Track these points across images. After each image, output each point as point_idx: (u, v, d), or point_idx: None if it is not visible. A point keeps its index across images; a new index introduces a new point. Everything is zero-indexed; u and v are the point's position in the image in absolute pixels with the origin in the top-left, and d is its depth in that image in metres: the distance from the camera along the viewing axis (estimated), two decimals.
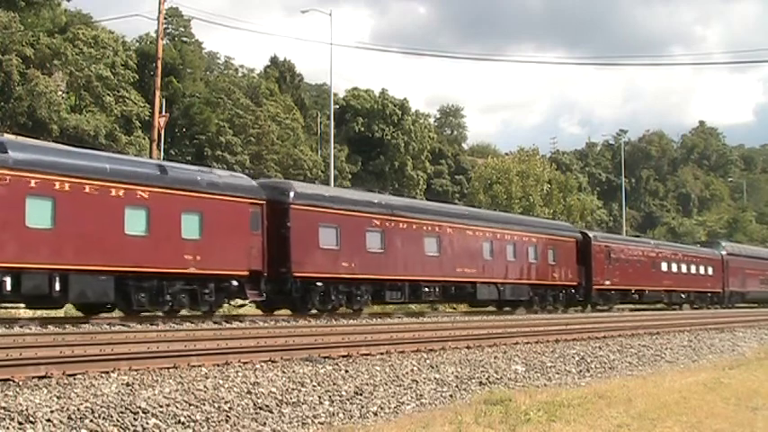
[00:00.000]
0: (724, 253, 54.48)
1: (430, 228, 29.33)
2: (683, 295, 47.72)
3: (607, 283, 39.90)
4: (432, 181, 77.77)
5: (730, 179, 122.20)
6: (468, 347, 15.32)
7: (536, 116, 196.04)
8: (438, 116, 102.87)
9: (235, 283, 22.07)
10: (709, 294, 51.29)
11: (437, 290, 29.01)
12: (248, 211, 22.59)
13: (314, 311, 24.65)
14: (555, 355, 15.78)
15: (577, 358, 15.79)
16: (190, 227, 20.97)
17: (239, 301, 24.20)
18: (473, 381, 12.38)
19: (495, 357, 14.43)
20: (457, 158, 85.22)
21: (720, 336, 23.83)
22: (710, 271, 51.70)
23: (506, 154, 79.63)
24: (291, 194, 24.37)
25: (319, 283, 24.37)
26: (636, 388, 12.13)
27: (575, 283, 37.46)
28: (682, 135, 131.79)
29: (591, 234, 41.05)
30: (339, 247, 25.26)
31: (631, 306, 44.15)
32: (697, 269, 50.07)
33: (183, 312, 21.82)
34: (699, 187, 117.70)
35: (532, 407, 9.80)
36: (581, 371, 14.85)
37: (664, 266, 46.18)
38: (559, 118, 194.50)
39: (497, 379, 12.82)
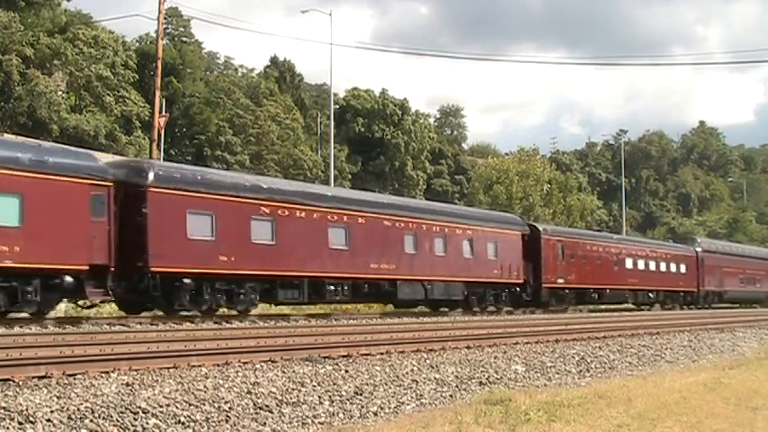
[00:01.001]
0: (699, 250, 51.25)
1: (336, 217, 25.69)
2: (651, 295, 44.51)
3: (560, 281, 36.40)
4: (432, 181, 77.83)
5: (730, 179, 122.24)
6: (468, 347, 15.32)
7: (536, 116, 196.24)
8: (438, 116, 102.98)
9: (69, 279, 18.55)
10: (681, 294, 48.10)
11: (345, 288, 25.46)
12: (88, 195, 19.05)
13: (185, 313, 21.58)
14: (555, 355, 15.79)
15: (577, 358, 15.79)
16: (4, 212, 17.59)
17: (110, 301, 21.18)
18: (473, 381, 12.38)
19: (495, 357, 14.43)
20: (457, 158, 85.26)
21: (720, 336, 23.83)
22: (684, 269, 48.39)
23: (506, 154, 79.69)
24: (150, 176, 20.82)
25: (188, 280, 20.86)
26: (636, 388, 12.13)
27: (520, 282, 33.69)
28: (682, 135, 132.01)
29: (540, 227, 37.41)
30: (215, 239, 21.70)
31: (591, 307, 41.22)
32: (668, 267, 46.77)
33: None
34: (699, 187, 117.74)
35: (532, 407, 9.80)
36: (581, 371, 14.85)
37: (628, 264, 42.85)
38: (560, 118, 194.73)
39: (497, 379, 12.82)
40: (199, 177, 22.58)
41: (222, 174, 27.45)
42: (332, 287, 25.05)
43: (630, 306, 43.96)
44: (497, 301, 32.82)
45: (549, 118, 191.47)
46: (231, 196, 22.54)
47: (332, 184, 48.00)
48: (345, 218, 26.08)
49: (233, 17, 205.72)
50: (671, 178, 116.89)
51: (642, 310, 43.40)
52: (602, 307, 42.27)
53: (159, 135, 36.66)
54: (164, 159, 39.33)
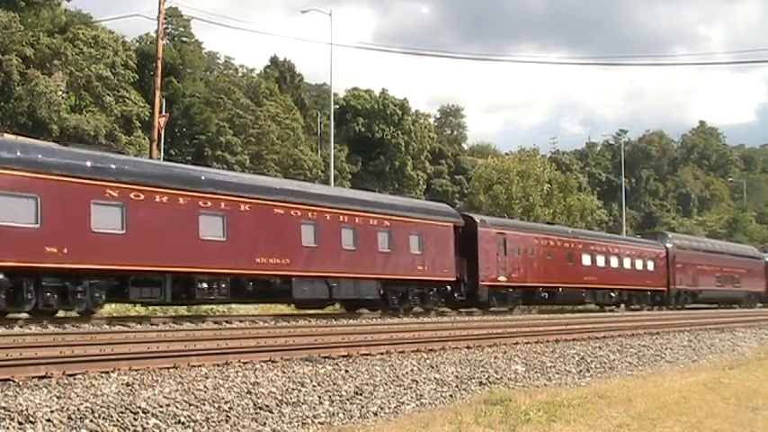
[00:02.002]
0: (670, 246, 47.07)
1: (210, 203, 21.86)
2: (612, 294, 40.53)
3: (502, 279, 32.57)
4: (432, 181, 77.89)
5: (730, 179, 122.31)
6: (468, 347, 15.32)
7: (538, 116, 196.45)
8: (438, 116, 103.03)
9: None
10: (649, 293, 44.17)
11: (223, 286, 21.81)
12: None
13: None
14: (555, 355, 15.78)
15: (577, 358, 15.79)
16: None
17: None
18: (473, 381, 12.38)
19: (495, 357, 14.43)
20: (457, 158, 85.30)
21: (720, 336, 23.82)
22: (651, 266, 44.50)
23: (506, 154, 79.72)
24: None
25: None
26: (636, 388, 12.12)
27: (451, 279, 29.78)
28: (682, 135, 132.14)
29: (478, 218, 33.36)
30: (40, 226, 18.24)
31: (541, 307, 36.90)
32: (633, 264, 42.77)
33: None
34: (699, 187, 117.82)
35: (532, 407, 9.80)
36: (581, 371, 14.85)
37: (585, 260, 38.90)
38: (561, 118, 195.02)
39: (497, 379, 12.81)
40: (18, 153, 18.53)
41: (54, 149, 21.03)
42: (204, 285, 21.39)
43: (592, 307, 40.80)
44: (424, 301, 28.94)
45: (550, 118, 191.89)
46: (62, 176, 18.83)
47: (332, 185, 48.00)
48: (223, 204, 22.23)
49: (234, 17, 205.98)
50: (671, 178, 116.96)
51: (605, 311, 40.09)
52: (556, 308, 38.72)
53: (159, 135, 36.68)
54: (164, 159, 39.33)
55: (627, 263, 42.31)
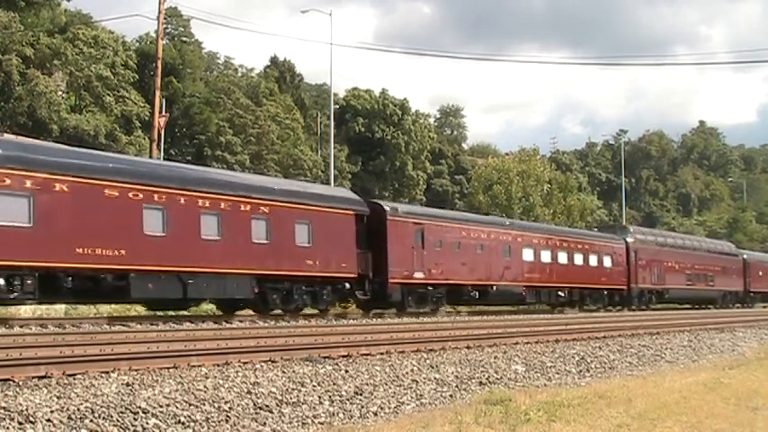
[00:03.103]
0: (631, 240, 43.06)
1: (9, 181, 17.99)
2: (561, 294, 36.49)
3: (418, 275, 28.52)
4: (432, 181, 77.82)
5: (730, 179, 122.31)
6: (468, 347, 15.32)
7: (539, 116, 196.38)
8: (438, 116, 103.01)
9: None
10: (605, 292, 40.02)
11: (29, 282, 18.12)
12: None
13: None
14: (555, 355, 15.78)
15: (577, 358, 15.79)
16: None
17: None
18: (473, 381, 12.38)
19: (495, 357, 14.43)
20: (457, 158, 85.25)
21: (720, 336, 23.83)
22: (609, 262, 40.48)
23: (506, 154, 79.69)
24: None
25: None
26: (636, 388, 12.13)
27: (351, 275, 25.88)
28: (682, 135, 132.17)
29: (387, 206, 28.97)
30: None
31: (470, 309, 33.38)
32: (586, 259, 38.67)
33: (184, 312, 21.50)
34: (699, 187, 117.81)
35: (532, 407, 9.80)
36: (581, 371, 14.85)
37: (527, 254, 34.84)
38: (562, 118, 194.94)
39: (497, 379, 12.82)
40: None
41: None
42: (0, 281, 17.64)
43: (540, 308, 37.06)
44: (317, 301, 25.14)
45: (551, 118, 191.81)
46: None
47: (332, 185, 48.03)
48: (28, 183, 18.20)
49: (235, 17, 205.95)
50: (671, 178, 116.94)
51: (555, 312, 36.33)
52: (492, 309, 34.45)
53: (159, 135, 36.69)
54: (164, 159, 39.32)
55: (578, 258, 38.29)
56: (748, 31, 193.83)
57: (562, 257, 37.29)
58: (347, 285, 25.98)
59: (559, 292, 36.52)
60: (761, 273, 57.88)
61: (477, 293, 31.48)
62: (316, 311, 25.34)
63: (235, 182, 24.43)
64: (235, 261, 22.48)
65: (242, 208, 22.93)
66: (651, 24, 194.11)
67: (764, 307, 54.40)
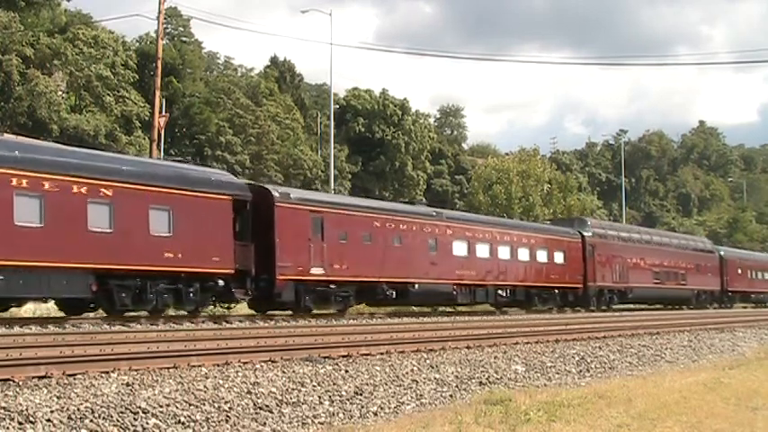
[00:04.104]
0: (589, 234, 39.03)
1: None
2: (501, 292, 32.64)
3: (317, 271, 24.80)
4: (432, 181, 77.85)
5: (730, 179, 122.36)
6: (468, 347, 15.32)
7: (540, 116, 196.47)
8: (438, 116, 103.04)
9: None
10: (556, 291, 36.09)
11: None
12: None
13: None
14: (555, 355, 15.78)
15: (577, 358, 15.79)
16: None
17: None
18: (473, 381, 12.38)
19: (495, 357, 14.43)
20: (457, 158, 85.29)
21: (720, 336, 23.83)
22: (561, 258, 36.61)
23: (506, 154, 79.70)
24: None
25: None
26: (636, 388, 12.13)
27: (226, 271, 22.25)
28: (681, 135, 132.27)
29: (276, 191, 25.09)
30: None
31: (389, 310, 29.23)
32: (532, 255, 34.84)
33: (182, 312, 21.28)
34: (699, 187, 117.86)
35: (532, 407, 9.80)
36: (581, 371, 14.85)
37: (459, 249, 30.90)
38: (564, 118, 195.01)
39: (497, 379, 12.82)
40: None
41: None
42: None
43: (477, 309, 33.01)
44: (181, 301, 21.46)
45: (553, 118, 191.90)
46: None
47: (332, 185, 48.05)
48: None
49: (237, 17, 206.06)
50: (671, 178, 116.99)
51: (496, 313, 32.57)
52: (415, 310, 30.65)
53: (159, 135, 36.70)
54: (164, 159, 39.34)
55: (523, 254, 34.48)
56: (749, 31, 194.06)
57: (503, 252, 33.27)
58: (220, 282, 22.16)
59: (500, 291, 32.68)
60: (740, 270, 54.35)
61: (393, 292, 27.49)
62: (189, 312, 21.85)
63: (64, 159, 19.61)
64: (63, 253, 18.76)
65: (74, 190, 19.20)
66: (652, 24, 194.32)
67: (744, 307, 51.88)
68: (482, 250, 32.21)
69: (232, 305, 23.95)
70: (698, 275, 48.18)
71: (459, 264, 30.74)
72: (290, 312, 24.25)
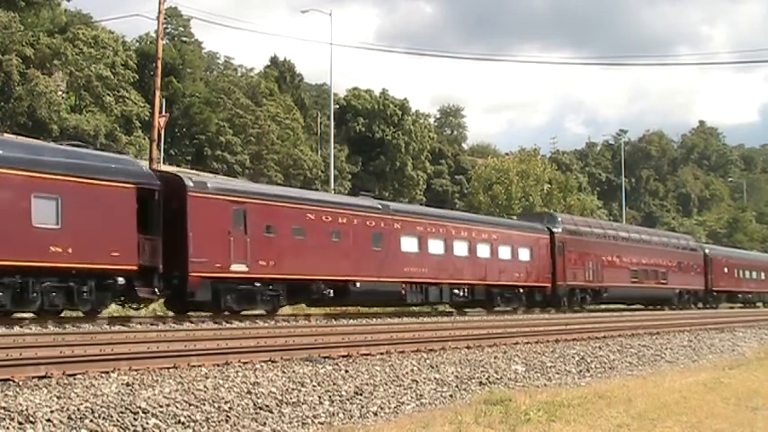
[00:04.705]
0: (558, 230, 36.60)
1: None
2: (457, 291, 30.04)
3: (239, 268, 22.39)
4: (432, 181, 77.91)
5: (730, 179, 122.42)
6: (468, 347, 15.32)
7: (541, 116, 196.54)
8: (438, 116, 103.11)
9: None
10: (522, 291, 33.58)
11: None
12: None
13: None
14: (555, 355, 15.78)
15: (577, 358, 15.79)
16: None
17: None
18: (473, 381, 12.38)
19: (495, 357, 14.43)
20: (457, 158, 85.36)
21: (720, 336, 23.82)
22: (527, 256, 34.23)
23: (506, 154, 79.76)
24: None
25: None
26: (636, 388, 12.13)
27: (128, 267, 19.77)
28: (681, 135, 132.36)
29: (190, 180, 22.66)
30: None
31: (322, 311, 26.86)
32: (494, 251, 32.30)
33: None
34: (699, 187, 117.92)
35: (532, 407, 9.80)
36: (581, 371, 14.85)
37: (408, 244, 28.43)
38: (564, 118, 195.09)
39: (497, 379, 12.81)
40: None
41: None
42: None
43: (425, 310, 30.61)
44: (73, 301, 19.03)
45: (553, 118, 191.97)
46: None
47: (332, 185, 48.06)
48: None
49: (237, 17, 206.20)
50: (671, 178, 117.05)
51: (454, 314, 29.86)
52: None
53: (159, 135, 36.67)
54: (164, 159, 39.33)
55: (483, 250, 31.84)
56: (750, 31, 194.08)
57: (460, 248, 30.73)
58: (120, 280, 19.77)
59: (456, 291, 30.08)
60: (726, 269, 51.89)
61: (331, 291, 25.20)
62: (85, 314, 19.47)
63: None
64: None
65: None
66: (653, 24, 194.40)
67: (731, 308, 49.84)
68: (435, 246, 29.74)
69: (141, 306, 21.41)
70: (680, 274, 46.15)
71: (408, 260, 28.36)
72: (208, 313, 21.77)
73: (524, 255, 34.20)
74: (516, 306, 33.26)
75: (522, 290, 33.70)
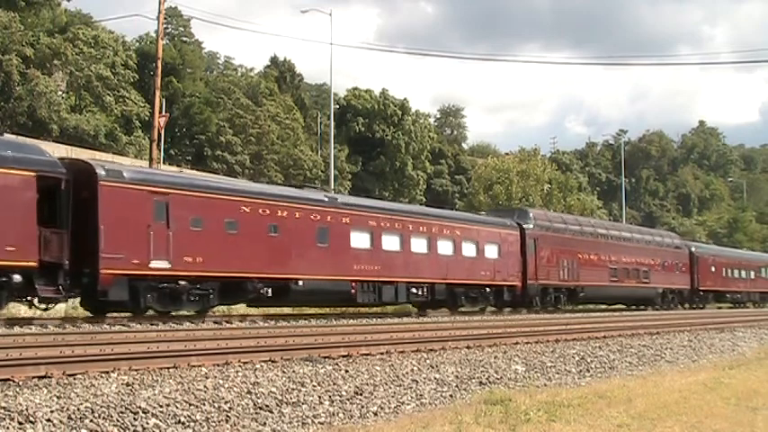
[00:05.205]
0: (530, 226, 34.79)
1: None
2: (415, 290, 28.29)
3: (159, 264, 20.46)
4: (432, 181, 77.94)
5: (730, 179, 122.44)
6: (468, 347, 15.32)
7: (542, 116, 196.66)
8: (438, 116, 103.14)
9: None
10: (488, 290, 31.55)
11: None
12: None
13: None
14: (555, 355, 15.78)
15: (577, 358, 15.79)
16: None
17: None
18: (473, 381, 12.38)
19: (495, 357, 14.43)
20: (457, 158, 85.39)
21: (720, 336, 23.82)
22: (495, 253, 32.21)
23: (506, 154, 79.77)
24: None
25: None
26: (636, 388, 12.13)
27: (27, 264, 18.02)
28: (681, 135, 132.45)
29: (102, 168, 20.44)
30: None
31: (265, 312, 25.14)
32: (457, 248, 30.39)
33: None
34: (699, 187, 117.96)
35: (532, 407, 9.80)
36: (581, 371, 14.85)
37: (359, 240, 26.48)
38: (565, 118, 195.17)
39: (497, 379, 12.82)
40: None
41: None
42: None
43: (394, 310, 29.09)
44: None
45: (554, 118, 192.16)
46: None
47: (332, 184, 48.05)
48: None
49: (238, 16, 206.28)
50: (671, 178, 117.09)
51: (415, 316, 28.25)
52: (310, 311, 26.72)
53: (159, 135, 36.68)
54: (164, 159, 39.34)
55: (445, 247, 30.03)
56: (751, 30, 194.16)
57: (418, 244, 28.91)
58: (16, 278, 17.92)
59: (413, 289, 28.29)
60: (713, 268, 50.08)
61: (269, 290, 23.43)
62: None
63: None
64: None
65: None
66: (654, 24, 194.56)
67: (719, 308, 48.39)
68: (390, 242, 27.81)
69: (49, 306, 19.49)
70: (664, 273, 44.30)
71: (359, 257, 26.48)
72: (128, 314, 20.28)
73: (491, 252, 32.36)
74: (483, 306, 31.64)
75: (488, 289, 31.85)
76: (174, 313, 21.19)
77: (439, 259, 29.58)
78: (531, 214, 36.83)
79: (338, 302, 27.23)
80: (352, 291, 26.11)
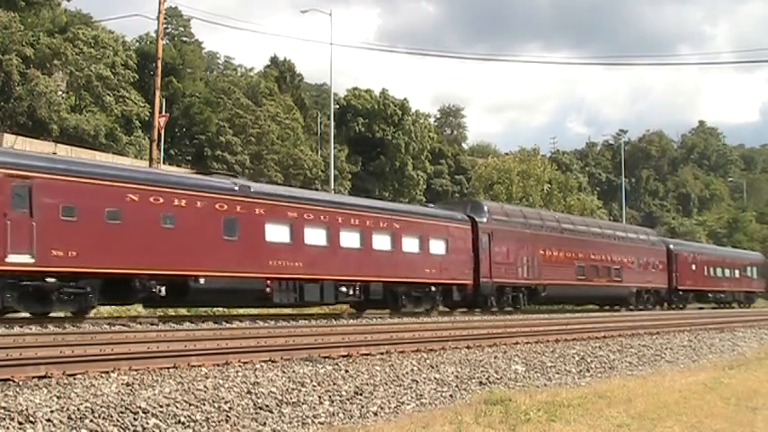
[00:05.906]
0: (483, 221, 31.76)
1: None
2: (345, 289, 25.45)
3: (19, 259, 17.73)
4: (432, 181, 77.91)
5: (730, 179, 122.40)
6: (468, 347, 15.33)
7: (543, 116, 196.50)
8: (438, 116, 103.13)
9: None
10: (433, 289, 28.80)
11: None
12: None
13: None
14: (555, 355, 15.79)
15: (577, 358, 15.79)
16: None
17: None
18: (473, 381, 12.38)
19: (495, 357, 14.44)
20: (457, 158, 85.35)
21: (720, 336, 23.83)
22: (442, 248, 29.51)
23: (506, 154, 79.72)
24: None
25: None
26: (636, 388, 12.14)
27: None
28: (681, 135, 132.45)
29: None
30: None
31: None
32: (396, 243, 27.61)
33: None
34: (699, 187, 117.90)
35: (532, 407, 9.80)
36: (581, 371, 14.85)
37: (276, 234, 23.75)
38: (566, 118, 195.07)
39: (497, 379, 12.82)
40: None
41: None
42: None
43: (303, 312, 25.85)
44: None
45: (555, 118, 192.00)
46: None
47: (332, 185, 48.05)
48: None
49: (239, 16, 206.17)
50: (671, 178, 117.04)
51: (344, 318, 25.27)
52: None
53: (159, 135, 36.67)
54: (164, 159, 39.33)
55: (381, 242, 27.29)
56: (752, 30, 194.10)
57: (349, 239, 26.14)
58: None
59: (343, 288, 25.46)
60: (694, 266, 47.40)
61: (162, 289, 20.66)
62: None
63: None
64: None
65: None
66: (655, 24, 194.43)
67: (701, 308, 46.26)
68: (314, 236, 24.96)
69: None
70: (638, 271, 41.45)
71: (275, 252, 23.72)
72: None
73: (438, 247, 29.46)
74: (429, 307, 28.76)
75: (434, 288, 29.05)
76: (52, 315, 18.88)
77: (374, 255, 26.84)
78: (485, 207, 33.83)
79: (251, 302, 24.59)
80: (268, 289, 23.41)
